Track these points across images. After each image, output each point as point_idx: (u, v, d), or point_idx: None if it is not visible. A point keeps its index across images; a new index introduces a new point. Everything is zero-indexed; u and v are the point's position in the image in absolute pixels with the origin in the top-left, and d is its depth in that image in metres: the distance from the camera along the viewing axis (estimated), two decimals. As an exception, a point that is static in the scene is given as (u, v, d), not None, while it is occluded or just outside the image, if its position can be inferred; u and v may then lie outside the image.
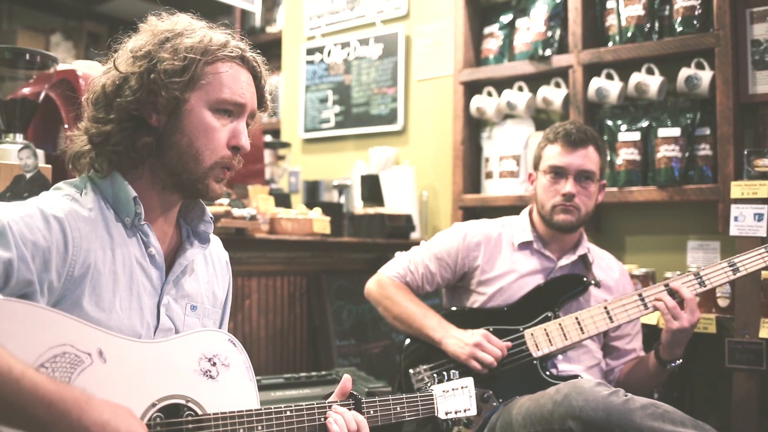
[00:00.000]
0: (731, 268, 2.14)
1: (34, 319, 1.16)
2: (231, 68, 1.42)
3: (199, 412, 1.32)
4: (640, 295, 2.20)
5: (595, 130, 2.56)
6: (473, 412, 1.80)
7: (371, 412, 1.59)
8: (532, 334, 2.24)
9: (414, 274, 2.45)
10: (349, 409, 1.53)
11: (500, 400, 2.14)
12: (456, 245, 2.44)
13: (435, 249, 2.46)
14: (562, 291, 2.33)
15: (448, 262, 2.43)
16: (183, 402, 1.31)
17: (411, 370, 2.32)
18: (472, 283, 2.43)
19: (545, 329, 2.24)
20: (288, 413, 1.42)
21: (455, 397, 1.78)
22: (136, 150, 1.38)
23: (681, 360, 2.23)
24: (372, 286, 2.50)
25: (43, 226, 1.25)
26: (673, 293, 2.16)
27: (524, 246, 2.42)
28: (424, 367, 2.30)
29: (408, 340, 2.40)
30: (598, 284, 2.36)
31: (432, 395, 1.74)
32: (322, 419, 1.47)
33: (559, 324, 2.23)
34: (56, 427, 1.09)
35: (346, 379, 1.58)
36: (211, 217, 1.55)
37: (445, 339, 2.27)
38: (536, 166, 2.44)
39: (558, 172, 2.35)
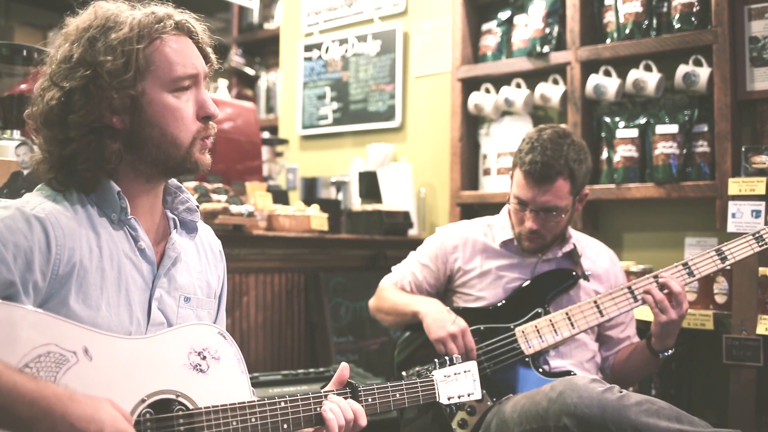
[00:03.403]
0: (719, 256, 2.14)
1: (18, 319, 1.15)
2: (171, 42, 1.37)
3: (190, 407, 1.31)
4: (629, 287, 2.20)
5: (573, 146, 2.27)
6: (477, 396, 1.76)
7: (369, 400, 1.55)
8: (523, 332, 2.24)
9: (402, 282, 2.50)
10: (346, 398, 1.50)
11: (494, 399, 2.15)
12: (434, 251, 2.48)
13: (419, 256, 2.52)
14: (551, 286, 2.33)
15: (431, 268, 2.47)
16: (173, 397, 1.30)
17: (404, 373, 2.31)
18: (457, 285, 2.44)
19: (536, 326, 2.24)
20: (282, 404, 1.41)
21: (458, 382, 1.74)
22: (107, 160, 1.34)
23: (673, 350, 2.22)
24: (371, 300, 2.58)
25: (23, 226, 1.24)
26: (662, 286, 2.16)
27: (506, 244, 2.41)
28: (418, 369, 2.29)
29: (398, 344, 2.41)
30: (587, 278, 2.35)
31: (433, 381, 1.70)
32: (317, 408, 1.45)
33: (550, 320, 2.23)
34: (40, 425, 1.08)
35: (344, 368, 1.55)
36: (197, 206, 1.53)
37: (426, 312, 2.28)
38: (512, 173, 2.36)
39: (521, 204, 2.29)
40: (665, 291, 2.14)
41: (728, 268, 2.24)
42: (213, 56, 1.48)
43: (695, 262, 2.16)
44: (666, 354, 2.22)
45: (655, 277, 2.18)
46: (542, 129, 2.33)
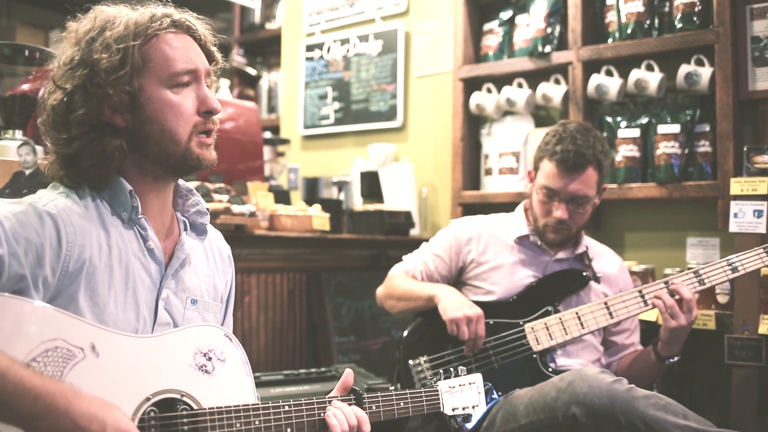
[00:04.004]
0: (730, 267, 2.16)
1: (27, 314, 1.16)
2: (168, 39, 1.39)
3: (195, 407, 1.32)
4: (640, 291, 2.21)
5: (599, 139, 2.35)
6: (482, 408, 1.77)
7: (373, 408, 1.56)
8: (532, 328, 2.25)
9: (414, 270, 2.50)
10: (350, 404, 1.51)
11: (499, 394, 2.15)
12: (448, 242, 2.49)
13: (432, 247, 2.53)
14: (562, 286, 2.34)
15: (444, 258, 2.48)
16: (178, 396, 1.31)
17: (411, 362, 2.32)
18: (468, 277, 2.45)
19: (546, 323, 2.25)
20: (286, 408, 1.41)
21: (462, 393, 1.75)
22: (110, 157, 1.36)
23: (679, 356, 2.24)
24: (379, 288, 2.58)
25: (36, 222, 1.26)
26: (672, 292, 2.16)
27: (521, 240, 2.43)
28: (424, 358, 2.31)
29: (406, 332, 2.41)
30: (597, 279, 2.37)
31: (437, 391, 1.71)
32: (321, 414, 1.45)
33: (560, 318, 2.24)
34: (43, 421, 1.09)
35: (348, 374, 1.55)
36: (207, 209, 1.54)
37: (443, 295, 2.30)
38: (536, 167, 2.40)
39: (550, 195, 2.31)
40: (676, 297, 2.15)
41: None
42: (217, 55, 1.49)
43: (706, 271, 2.18)
44: (672, 360, 2.23)
45: (666, 283, 2.19)
46: (566, 123, 2.38)
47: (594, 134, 2.34)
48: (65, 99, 1.35)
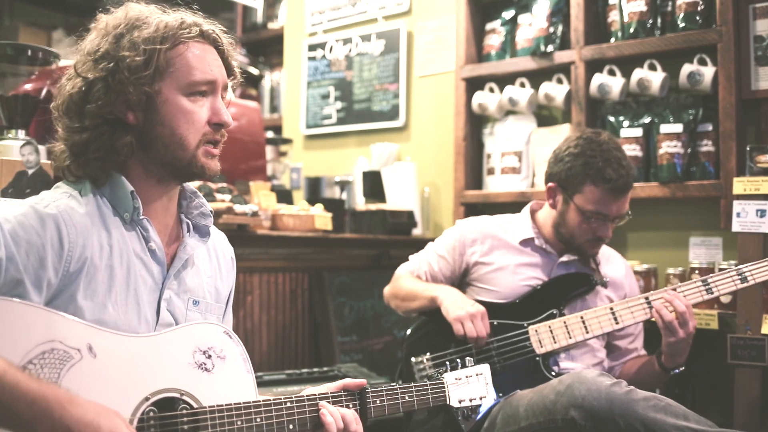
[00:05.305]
0: (739, 277, 2.14)
1: (22, 316, 1.16)
2: (193, 48, 1.41)
3: (195, 406, 1.31)
4: (646, 298, 2.20)
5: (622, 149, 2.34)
6: (490, 399, 1.74)
7: (377, 402, 1.55)
8: (536, 331, 2.24)
9: (419, 271, 2.51)
10: (353, 398, 1.51)
11: (500, 394, 2.15)
12: (453, 243, 2.48)
13: (437, 247, 2.52)
14: (569, 289, 2.33)
15: (447, 259, 2.48)
16: (177, 395, 1.30)
17: (413, 359, 2.32)
18: (473, 278, 2.45)
19: (550, 327, 2.24)
20: (288, 404, 1.41)
21: (469, 385, 1.72)
22: (118, 152, 1.37)
23: (684, 367, 2.23)
24: (386, 287, 2.58)
25: (36, 224, 1.26)
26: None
27: (526, 243, 2.42)
28: (427, 356, 2.31)
29: (410, 331, 2.42)
30: (605, 284, 2.36)
31: (443, 383, 1.69)
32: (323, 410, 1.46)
33: (564, 322, 2.23)
34: (38, 425, 1.09)
35: (355, 383, 1.56)
36: (211, 211, 1.55)
37: (444, 297, 2.30)
38: (564, 187, 2.31)
39: (600, 219, 2.27)
40: (671, 309, 2.14)
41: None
42: (237, 70, 1.51)
43: (715, 280, 2.16)
44: (677, 371, 2.23)
45: (674, 290, 2.18)
46: (593, 140, 2.30)
47: (620, 147, 2.32)
48: (84, 88, 1.36)
